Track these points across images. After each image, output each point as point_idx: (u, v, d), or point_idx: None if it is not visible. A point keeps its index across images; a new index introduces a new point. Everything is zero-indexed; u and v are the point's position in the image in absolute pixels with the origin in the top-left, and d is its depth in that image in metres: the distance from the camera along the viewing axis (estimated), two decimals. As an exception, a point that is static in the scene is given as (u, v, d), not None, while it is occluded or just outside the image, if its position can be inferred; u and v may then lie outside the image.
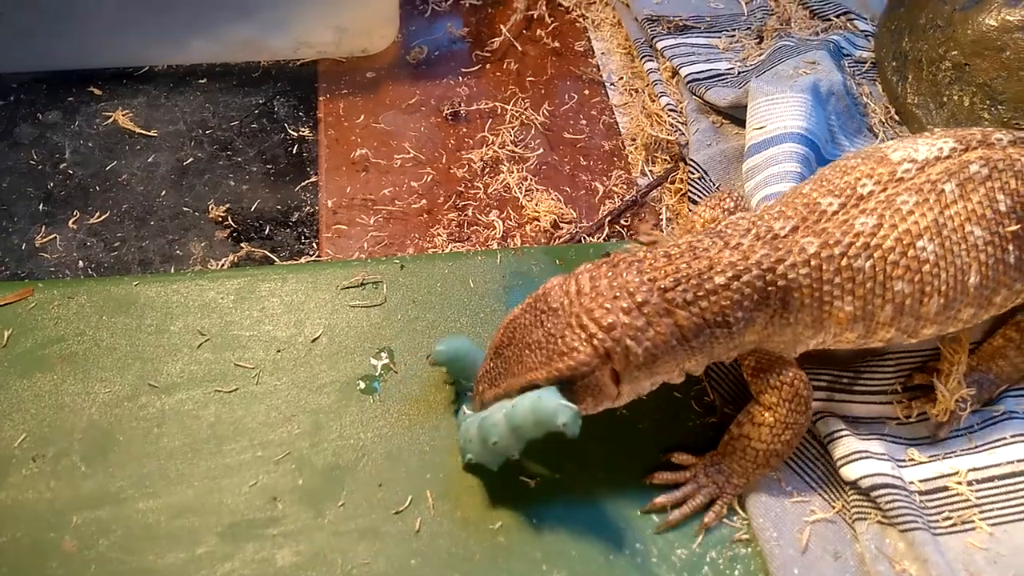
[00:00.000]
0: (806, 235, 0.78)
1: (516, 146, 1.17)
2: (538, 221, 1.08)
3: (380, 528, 0.80)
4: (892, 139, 0.88)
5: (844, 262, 0.77)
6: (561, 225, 1.08)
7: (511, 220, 1.09)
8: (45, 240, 1.02)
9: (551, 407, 0.72)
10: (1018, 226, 0.79)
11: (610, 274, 0.76)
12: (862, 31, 1.31)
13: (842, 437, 0.83)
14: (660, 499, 0.83)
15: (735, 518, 0.82)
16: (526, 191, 1.12)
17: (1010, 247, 0.79)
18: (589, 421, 0.83)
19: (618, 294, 0.74)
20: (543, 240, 1.06)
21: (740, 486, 0.82)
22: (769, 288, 0.76)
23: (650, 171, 1.15)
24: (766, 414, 0.80)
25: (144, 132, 1.15)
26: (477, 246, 1.05)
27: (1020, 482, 0.82)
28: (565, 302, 0.76)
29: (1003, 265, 0.79)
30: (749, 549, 0.80)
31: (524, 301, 0.80)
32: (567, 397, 0.74)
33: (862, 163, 0.82)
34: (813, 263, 0.76)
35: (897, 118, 1.20)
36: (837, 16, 1.33)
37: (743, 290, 0.75)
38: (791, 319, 0.78)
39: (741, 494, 0.83)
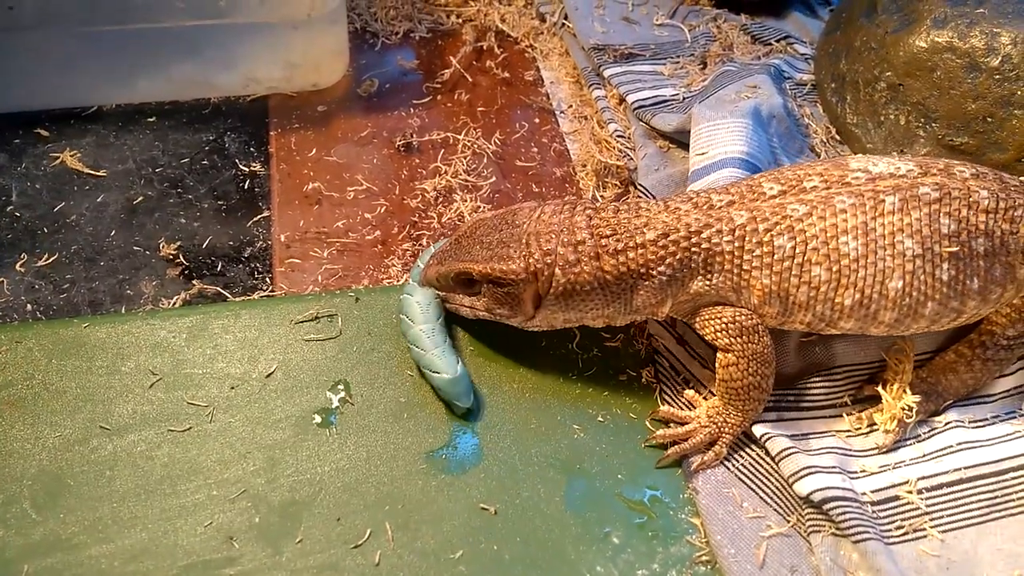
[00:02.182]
0: (739, 209, 0.84)
1: (469, 175, 1.19)
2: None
3: (339, 563, 0.79)
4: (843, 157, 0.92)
5: (767, 237, 0.82)
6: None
7: (465, 249, 1.09)
8: (-9, 284, 1.01)
9: (459, 391, 0.89)
10: (956, 248, 0.82)
11: (567, 213, 0.86)
12: (802, 54, 1.35)
13: (791, 455, 0.84)
14: (661, 432, 0.89)
15: (695, 537, 0.83)
16: (479, 219, 1.13)
17: (945, 265, 0.82)
18: (552, 452, 0.88)
19: (563, 230, 0.85)
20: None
21: (737, 425, 0.88)
22: (693, 249, 0.83)
23: (601, 196, 1.16)
24: (728, 355, 0.85)
25: (93, 172, 1.14)
26: (432, 275, 1.06)
27: (967, 488, 0.85)
28: (525, 223, 0.87)
29: (933, 280, 0.82)
30: (709, 568, 0.81)
31: (500, 209, 0.93)
32: (490, 295, 0.88)
33: (819, 164, 0.87)
34: (738, 233, 0.83)
35: (838, 137, 1.23)
36: (777, 41, 1.37)
37: (668, 247, 0.83)
38: (713, 281, 0.84)
39: (743, 429, 0.88)
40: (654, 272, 0.83)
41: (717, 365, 0.87)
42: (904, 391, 0.88)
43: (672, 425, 0.90)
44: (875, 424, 0.89)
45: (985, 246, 0.83)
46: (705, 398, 0.91)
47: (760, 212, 0.83)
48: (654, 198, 1.07)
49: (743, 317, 0.84)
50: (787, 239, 0.82)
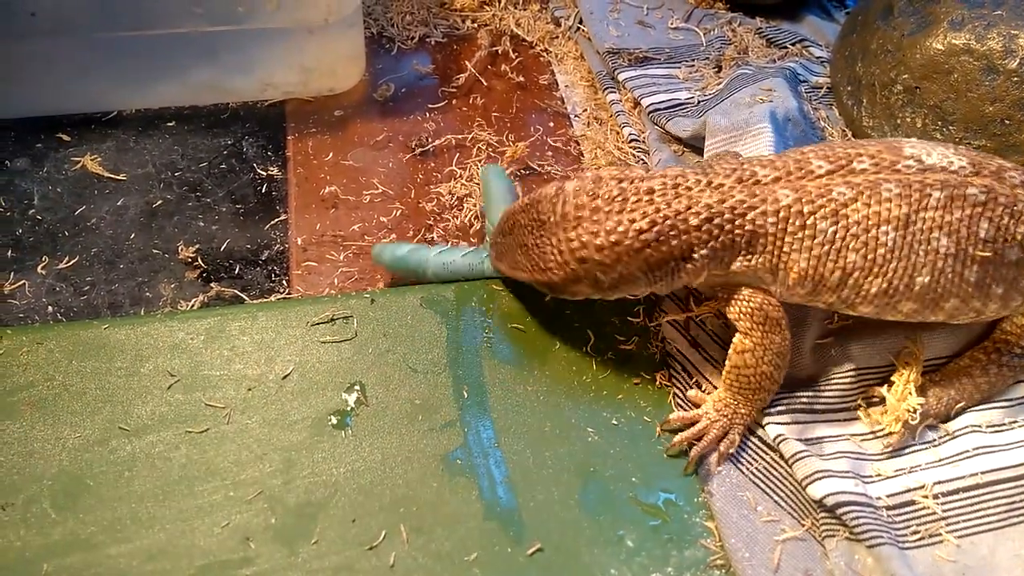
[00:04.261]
0: (785, 187, 0.82)
1: (483, 179, 1.19)
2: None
3: (354, 564, 0.80)
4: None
5: (810, 220, 0.81)
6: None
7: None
8: (14, 287, 1.02)
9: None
10: (989, 254, 0.82)
11: (594, 205, 0.83)
12: (817, 58, 1.35)
13: (804, 458, 0.84)
14: (678, 437, 0.88)
15: (709, 540, 0.83)
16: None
17: (975, 267, 0.82)
18: (566, 455, 0.88)
19: (596, 230, 0.81)
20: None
21: (748, 415, 0.88)
22: (736, 231, 0.81)
23: (615, 199, 1.16)
24: (744, 340, 0.85)
25: (113, 176, 1.15)
26: (447, 278, 1.06)
27: (984, 493, 0.84)
28: (551, 219, 0.84)
29: (960, 279, 0.82)
30: (724, 572, 0.81)
31: (523, 199, 0.90)
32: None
33: (874, 145, 0.85)
34: (782, 214, 0.81)
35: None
36: (793, 44, 1.37)
37: (712, 231, 0.81)
38: (752, 261, 0.83)
39: (753, 425, 0.89)
40: (696, 256, 0.82)
41: (732, 351, 0.87)
42: (909, 392, 0.88)
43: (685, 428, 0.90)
44: (881, 424, 0.89)
45: (1018, 256, 0.83)
46: (707, 392, 0.91)
47: (806, 193, 0.81)
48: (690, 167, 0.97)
49: (770, 307, 0.84)
50: (829, 223, 0.81)
